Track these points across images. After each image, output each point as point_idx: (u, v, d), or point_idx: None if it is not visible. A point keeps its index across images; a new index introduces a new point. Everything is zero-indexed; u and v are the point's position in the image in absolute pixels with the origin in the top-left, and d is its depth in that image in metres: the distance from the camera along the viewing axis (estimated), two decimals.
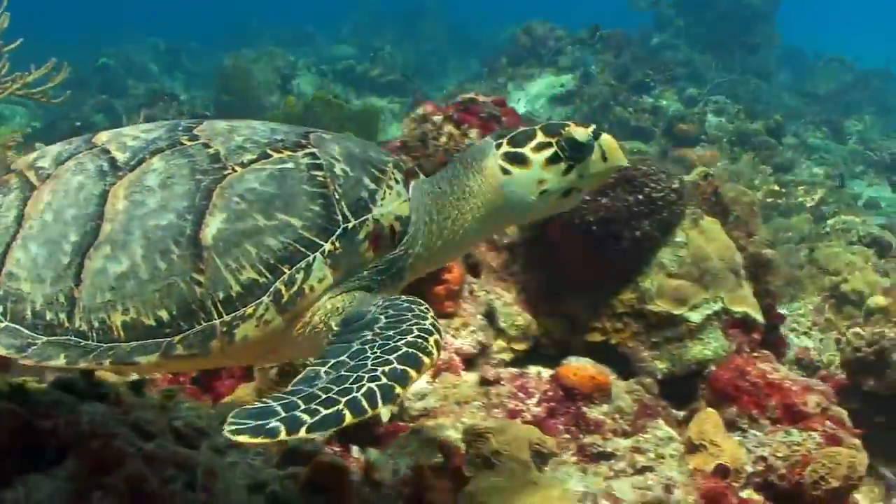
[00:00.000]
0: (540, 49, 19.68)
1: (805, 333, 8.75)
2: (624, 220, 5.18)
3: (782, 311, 9.54)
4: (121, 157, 3.14)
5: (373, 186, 3.14)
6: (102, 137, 3.32)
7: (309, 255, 2.94)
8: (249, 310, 2.89)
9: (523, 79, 19.02)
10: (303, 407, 2.45)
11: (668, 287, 5.25)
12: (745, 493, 4.28)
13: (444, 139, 5.12)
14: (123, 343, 2.92)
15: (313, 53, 26.68)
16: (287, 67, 21.70)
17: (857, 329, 6.82)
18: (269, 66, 21.33)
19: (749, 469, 4.34)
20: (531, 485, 3.77)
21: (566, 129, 3.20)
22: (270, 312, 2.90)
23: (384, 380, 2.54)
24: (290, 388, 2.58)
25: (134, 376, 4.13)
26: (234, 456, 4.02)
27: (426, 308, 2.89)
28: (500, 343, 5.15)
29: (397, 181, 3.22)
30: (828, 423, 4.54)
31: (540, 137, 3.21)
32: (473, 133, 5.13)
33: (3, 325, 3.01)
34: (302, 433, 2.38)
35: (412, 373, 2.60)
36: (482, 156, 3.28)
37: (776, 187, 13.63)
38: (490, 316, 5.16)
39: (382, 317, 2.85)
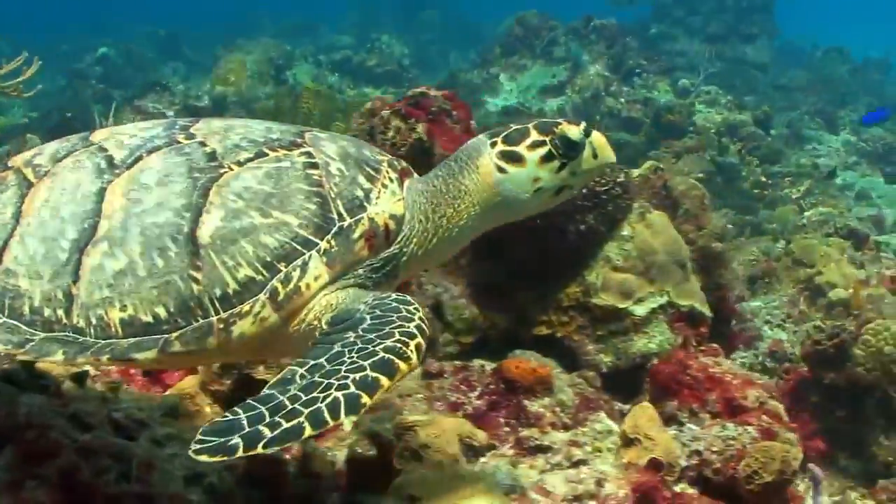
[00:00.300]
0: (533, 40, 19.61)
1: (779, 326, 8.80)
2: (568, 214, 5.23)
3: (756, 302, 9.61)
4: (118, 154, 3.16)
5: (367, 185, 3.17)
6: (99, 135, 3.35)
7: (305, 253, 2.98)
8: (246, 307, 2.93)
9: (515, 69, 18.96)
10: (267, 420, 2.48)
11: (614, 281, 5.29)
12: (679, 487, 4.29)
13: (391, 133, 5.14)
14: (121, 339, 2.95)
15: (313, 43, 26.63)
16: (282, 58, 21.68)
17: (818, 322, 6.88)
18: (263, 57, 21.33)
19: (683, 463, 4.34)
20: (458, 477, 3.82)
21: (559, 127, 3.23)
22: (267, 310, 2.94)
23: (352, 388, 2.56)
24: (264, 391, 2.62)
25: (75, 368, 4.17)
26: (175, 447, 4.08)
27: (414, 308, 2.90)
28: (447, 336, 5.20)
29: (392, 180, 3.25)
30: (764, 417, 4.56)
31: (534, 136, 3.24)
32: (420, 128, 5.15)
33: (0, 321, 3.04)
34: (259, 449, 2.41)
35: (384, 381, 2.60)
36: (477, 154, 3.30)
37: (763, 178, 13.65)
38: (437, 309, 5.21)
39: (368, 317, 2.86)
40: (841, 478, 6.69)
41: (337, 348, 2.74)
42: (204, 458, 2.40)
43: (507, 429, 4.55)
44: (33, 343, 2.98)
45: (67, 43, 25.92)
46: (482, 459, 4.36)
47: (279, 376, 2.68)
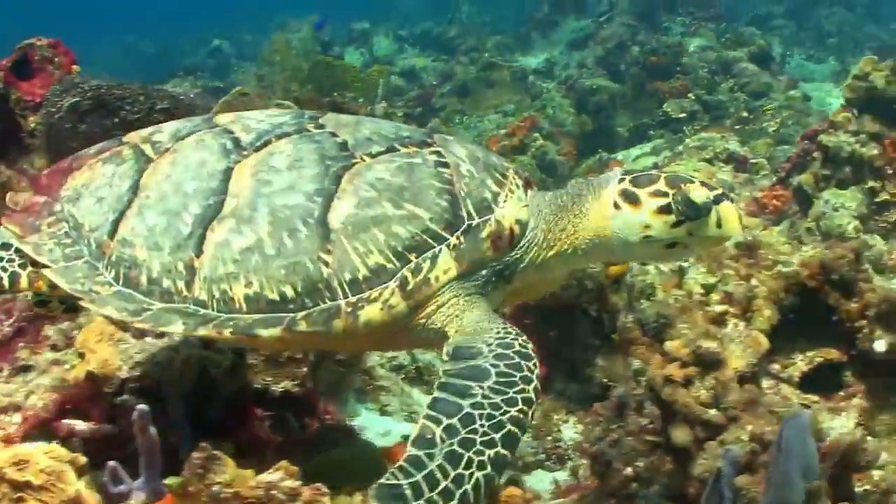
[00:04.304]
0: None
1: None
2: None
3: None
4: (245, 137, 3.25)
5: (496, 189, 3.22)
6: (224, 119, 3.44)
7: (435, 247, 3.03)
8: (375, 293, 2.97)
9: (547, 26, 18.65)
10: (426, 495, 2.58)
11: None
12: (120, 399, 4.25)
13: None
14: (245, 315, 3.00)
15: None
16: (328, 35, 22.01)
17: None
18: (310, 35, 21.67)
19: (124, 374, 4.32)
20: None
21: (688, 185, 3.13)
22: (396, 297, 2.99)
23: (489, 469, 2.65)
24: (410, 451, 2.68)
25: None
26: None
27: (534, 364, 2.92)
28: None
29: (518, 186, 3.30)
30: None
31: (660, 185, 3.16)
32: None
33: (115, 288, 3.14)
34: None
35: (510, 455, 2.70)
36: (605, 184, 3.28)
37: (744, 113, 12.84)
38: None
39: (493, 370, 2.86)
40: (559, 402, 6.37)
41: (467, 409, 2.75)
42: None
43: (22, 354, 4.70)
44: (150, 312, 3.06)
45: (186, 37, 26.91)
46: None
47: (417, 432, 2.72)
